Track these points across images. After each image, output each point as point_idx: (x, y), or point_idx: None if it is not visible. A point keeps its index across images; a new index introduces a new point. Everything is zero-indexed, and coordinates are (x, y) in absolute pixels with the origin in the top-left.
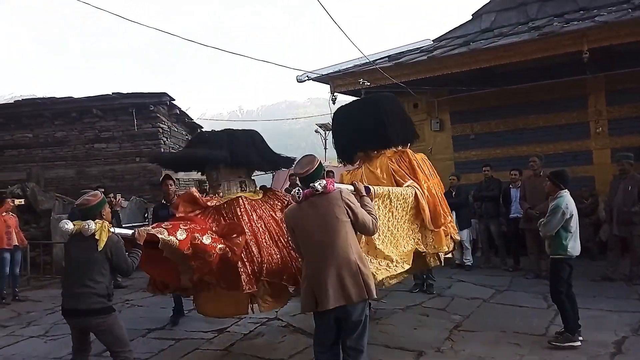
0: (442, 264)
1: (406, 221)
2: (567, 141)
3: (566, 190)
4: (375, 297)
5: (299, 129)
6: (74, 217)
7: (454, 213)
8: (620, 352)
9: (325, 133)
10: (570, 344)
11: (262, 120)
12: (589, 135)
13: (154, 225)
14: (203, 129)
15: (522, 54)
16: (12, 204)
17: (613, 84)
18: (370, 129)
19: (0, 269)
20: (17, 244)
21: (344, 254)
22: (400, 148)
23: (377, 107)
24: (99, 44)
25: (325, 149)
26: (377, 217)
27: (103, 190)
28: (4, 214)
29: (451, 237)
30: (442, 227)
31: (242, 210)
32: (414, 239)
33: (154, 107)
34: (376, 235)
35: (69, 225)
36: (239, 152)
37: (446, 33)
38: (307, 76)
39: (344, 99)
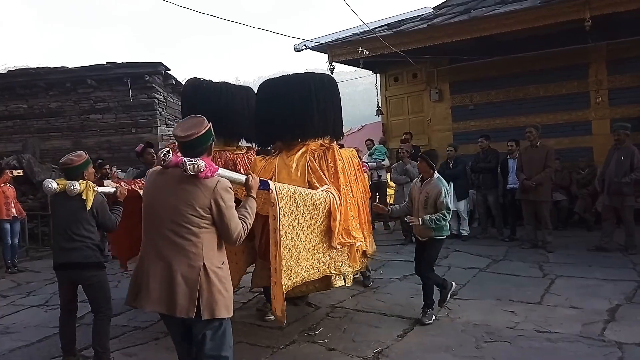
0: (348, 285)
1: (315, 231)
2: (566, 111)
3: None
4: (224, 316)
5: None
6: (137, 177)
7: (451, 184)
8: (613, 319)
9: None
10: (451, 290)
11: None
12: (589, 106)
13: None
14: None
15: (523, 21)
16: (10, 175)
17: (615, 53)
18: (294, 113)
19: (3, 239)
20: (15, 214)
21: (188, 254)
22: (327, 142)
23: (308, 88)
24: (89, 11)
25: None
26: (248, 229)
27: (101, 161)
28: (3, 185)
29: (365, 253)
30: (358, 242)
31: None
32: (322, 261)
33: (149, 77)
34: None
35: (53, 184)
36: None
37: (447, 0)
38: (305, 45)
39: (342, 69)
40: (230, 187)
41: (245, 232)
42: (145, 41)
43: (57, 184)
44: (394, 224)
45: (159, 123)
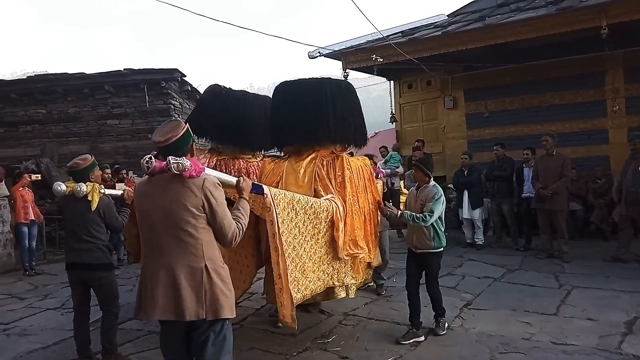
0: (351, 297)
1: (319, 242)
2: (582, 120)
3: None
4: (228, 316)
5: None
6: None
7: (465, 192)
8: (631, 332)
9: None
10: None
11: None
12: (606, 114)
13: None
14: None
15: (539, 29)
16: (28, 180)
17: (632, 61)
18: (308, 119)
19: (20, 242)
20: (33, 218)
21: (188, 257)
22: (339, 149)
23: (323, 93)
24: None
25: None
26: (243, 229)
27: (118, 166)
28: (21, 189)
29: (369, 264)
30: (361, 254)
31: None
32: (326, 272)
33: (165, 83)
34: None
35: (62, 187)
36: None
37: (461, 8)
38: (319, 52)
39: (356, 76)
40: (219, 184)
41: (241, 233)
42: (145, 41)
43: (66, 187)
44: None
45: None
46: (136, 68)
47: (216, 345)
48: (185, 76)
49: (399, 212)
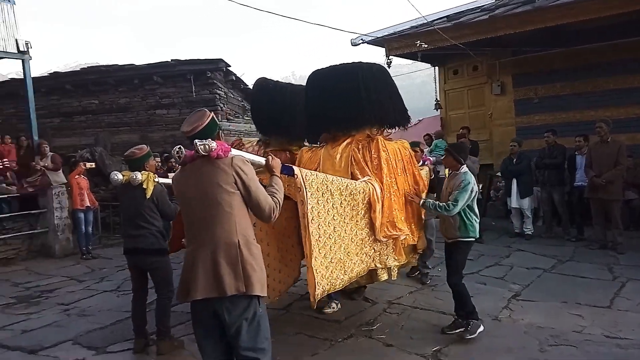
0: (393, 279)
1: (359, 224)
2: (638, 105)
3: (465, 165)
4: (259, 293)
5: None
6: None
7: (514, 180)
8: None
9: None
10: (481, 329)
11: None
12: None
13: None
14: None
15: (591, 11)
16: (83, 168)
17: None
18: (343, 105)
19: (77, 227)
20: (89, 204)
21: (223, 233)
22: (375, 132)
23: (355, 78)
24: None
25: None
26: (280, 203)
27: (167, 155)
28: (77, 177)
29: (415, 248)
30: (403, 235)
31: None
32: (369, 254)
33: (210, 73)
34: (319, 233)
35: (119, 176)
36: None
37: None
38: (362, 39)
39: (398, 62)
40: (247, 160)
41: (278, 207)
42: (146, 41)
43: (122, 176)
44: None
45: (220, 118)
46: (183, 59)
47: (251, 333)
48: (230, 66)
49: (421, 200)
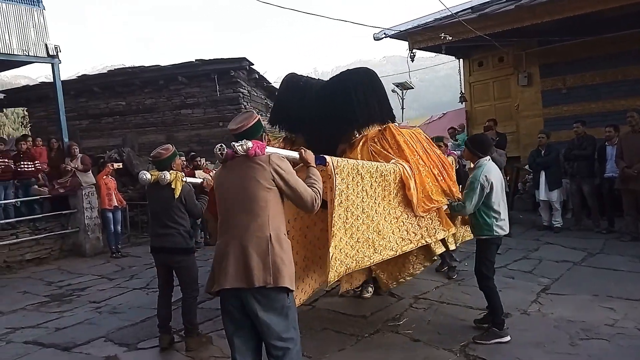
0: (452, 249)
1: (391, 203)
2: None
3: (487, 157)
4: (287, 286)
5: None
6: None
7: (542, 173)
8: None
9: (402, 92)
10: (498, 340)
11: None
12: None
13: None
14: None
15: None
16: (111, 168)
17: None
18: (340, 115)
19: (106, 226)
20: (117, 204)
21: (256, 227)
22: (383, 126)
23: (346, 89)
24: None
25: (402, 108)
26: (320, 192)
27: (193, 154)
28: (105, 177)
29: (463, 220)
30: (443, 205)
31: None
32: (412, 231)
33: (234, 72)
34: (346, 215)
35: (147, 175)
36: None
37: None
38: (385, 33)
39: (422, 55)
40: (283, 157)
41: (319, 197)
42: (228, 30)
43: (151, 175)
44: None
45: None
46: (206, 59)
47: (280, 322)
48: (253, 64)
49: (447, 203)
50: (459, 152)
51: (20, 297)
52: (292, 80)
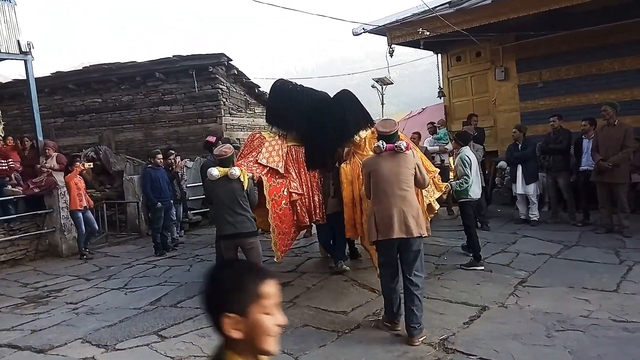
0: (437, 209)
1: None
2: None
3: (466, 146)
4: (426, 234)
5: (355, 84)
6: (206, 166)
7: (519, 167)
8: None
9: (382, 87)
10: (475, 267)
11: (317, 77)
12: None
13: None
14: (260, 88)
15: None
16: (82, 168)
17: None
18: (339, 126)
19: (79, 228)
20: (86, 205)
21: (411, 199)
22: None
23: (331, 112)
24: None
25: (382, 104)
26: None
27: (173, 151)
28: (75, 177)
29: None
30: (434, 174)
31: None
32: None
33: (212, 68)
34: None
35: (216, 172)
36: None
37: None
38: (363, 28)
39: (401, 51)
40: (416, 154)
41: (427, 180)
42: (207, 26)
43: (219, 171)
44: (457, 210)
45: (223, 113)
46: (184, 54)
47: (418, 261)
48: (232, 60)
49: (445, 184)
50: (437, 147)
51: None
52: (282, 88)
